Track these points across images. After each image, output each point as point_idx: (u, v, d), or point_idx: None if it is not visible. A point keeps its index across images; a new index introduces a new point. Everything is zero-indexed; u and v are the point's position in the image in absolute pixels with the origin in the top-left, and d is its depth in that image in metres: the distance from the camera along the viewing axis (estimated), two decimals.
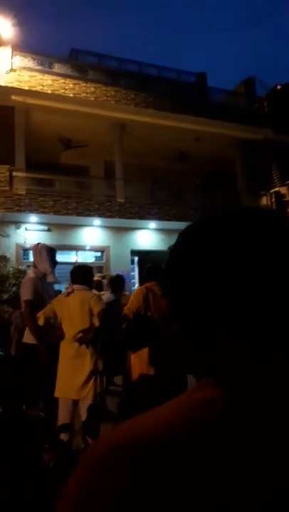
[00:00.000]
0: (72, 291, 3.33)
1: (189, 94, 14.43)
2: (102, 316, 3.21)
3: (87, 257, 12.51)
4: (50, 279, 3.84)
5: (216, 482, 0.38)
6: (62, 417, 3.24)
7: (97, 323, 3.24)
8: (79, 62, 13.39)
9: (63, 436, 3.17)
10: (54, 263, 3.89)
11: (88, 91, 12.43)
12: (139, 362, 3.44)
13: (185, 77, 15.49)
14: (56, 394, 3.27)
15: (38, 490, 2.64)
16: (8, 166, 11.29)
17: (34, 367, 3.54)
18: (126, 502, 0.38)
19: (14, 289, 10.17)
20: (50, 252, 3.89)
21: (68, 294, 3.33)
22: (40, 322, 3.42)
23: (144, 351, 3.40)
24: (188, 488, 0.38)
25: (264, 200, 14.38)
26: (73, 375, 3.19)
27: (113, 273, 12.24)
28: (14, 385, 2.84)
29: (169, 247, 0.53)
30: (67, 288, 3.45)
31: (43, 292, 3.68)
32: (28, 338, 3.65)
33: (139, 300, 3.50)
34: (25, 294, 3.63)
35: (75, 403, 3.25)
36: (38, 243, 3.97)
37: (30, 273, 3.88)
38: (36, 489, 2.63)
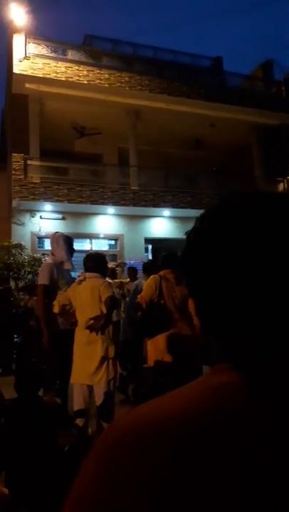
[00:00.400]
0: (84, 279, 3.35)
1: (205, 79, 14.18)
2: (110, 302, 3.22)
3: (101, 245, 12.56)
4: (67, 266, 3.97)
5: (238, 467, 0.38)
6: (77, 402, 3.29)
7: (105, 309, 3.26)
8: (93, 48, 13.24)
9: (78, 421, 3.23)
10: (71, 251, 4.04)
11: (102, 77, 12.31)
12: (154, 349, 3.46)
13: (200, 62, 15.20)
14: (71, 380, 3.32)
15: (53, 473, 2.70)
16: (22, 155, 11.34)
17: (56, 352, 3.62)
18: (143, 484, 0.38)
19: (30, 276, 10.30)
20: (68, 240, 4.04)
21: (80, 282, 3.35)
22: (56, 310, 3.47)
23: (160, 338, 3.41)
24: (211, 472, 0.38)
25: (281, 187, 14.15)
26: (86, 362, 3.23)
27: (127, 261, 12.31)
28: (30, 370, 2.89)
29: (187, 233, 0.53)
30: (79, 276, 3.48)
31: (59, 279, 3.79)
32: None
33: (152, 288, 3.52)
34: (41, 278, 3.82)
35: (90, 389, 3.30)
36: (56, 232, 4.15)
37: (48, 259, 4.08)
38: (51, 473, 2.69)
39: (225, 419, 0.40)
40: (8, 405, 2.74)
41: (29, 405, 2.70)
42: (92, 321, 3.24)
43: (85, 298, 3.28)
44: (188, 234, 0.53)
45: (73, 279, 4.37)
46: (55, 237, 4.04)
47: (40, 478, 2.58)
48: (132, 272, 7.52)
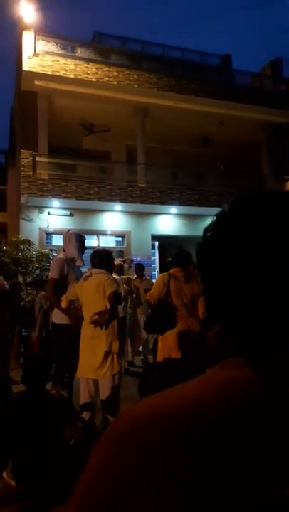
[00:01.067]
0: (91, 275, 3.40)
1: (213, 77, 14.12)
2: (113, 297, 3.25)
3: (108, 242, 12.61)
4: (78, 263, 4.11)
5: (250, 461, 0.38)
6: (83, 396, 3.35)
7: (108, 291, 3.30)
8: (102, 45, 13.25)
9: (84, 415, 3.29)
10: (82, 249, 4.17)
11: (111, 75, 12.32)
12: (162, 345, 3.52)
13: (209, 60, 15.14)
14: (77, 374, 3.38)
15: (59, 466, 2.75)
16: (31, 152, 11.40)
17: (61, 345, 3.69)
18: (155, 475, 0.37)
19: (37, 271, 10.39)
20: (80, 238, 4.18)
21: (86, 278, 3.40)
22: (63, 305, 3.53)
23: (168, 335, 3.46)
24: (221, 464, 0.37)
25: None
26: (91, 356, 3.28)
27: (134, 258, 12.35)
28: (38, 364, 2.94)
29: (204, 229, 0.53)
30: (85, 272, 3.53)
31: (70, 274, 3.90)
32: (58, 318, 3.82)
33: (160, 286, 3.57)
34: (52, 273, 3.99)
35: (96, 383, 3.35)
36: (69, 230, 4.31)
37: (60, 254, 4.24)
38: (57, 465, 2.74)
39: (235, 412, 0.40)
40: (15, 398, 2.80)
41: (36, 398, 2.76)
42: (96, 316, 3.29)
43: (90, 293, 3.33)
44: (205, 230, 0.53)
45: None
46: (67, 235, 4.16)
47: (46, 471, 2.63)
48: (139, 268, 7.56)
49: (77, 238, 4.13)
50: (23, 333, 7.96)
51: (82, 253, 4.15)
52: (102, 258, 3.53)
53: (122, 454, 0.39)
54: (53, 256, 11.42)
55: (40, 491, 2.50)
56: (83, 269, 4.16)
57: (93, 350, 3.27)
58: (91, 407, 3.36)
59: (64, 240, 4.20)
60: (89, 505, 0.39)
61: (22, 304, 8.08)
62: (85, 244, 4.30)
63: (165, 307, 3.50)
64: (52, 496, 2.50)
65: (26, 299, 8.48)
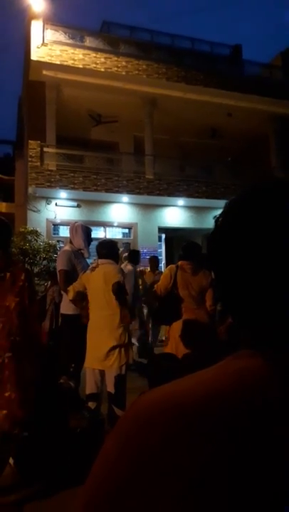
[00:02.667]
0: (97, 265, 3.41)
1: (223, 68, 13.96)
2: (116, 288, 3.26)
3: (114, 234, 12.62)
4: (85, 254, 4.16)
5: (263, 450, 0.37)
6: (89, 386, 3.38)
7: (113, 280, 3.32)
8: (111, 35, 13.13)
9: (90, 405, 3.32)
10: (89, 240, 4.20)
11: (120, 65, 12.22)
12: (171, 337, 3.55)
13: (219, 50, 14.96)
14: (84, 364, 3.41)
15: (66, 453, 2.80)
16: (39, 142, 11.39)
17: (69, 336, 3.73)
18: (167, 464, 0.37)
19: (45, 262, 10.45)
20: (86, 230, 4.20)
21: (94, 268, 3.42)
22: (70, 296, 3.55)
23: (175, 326, 3.48)
24: (237, 450, 0.37)
25: None
26: (98, 347, 3.30)
27: (140, 249, 12.32)
28: (47, 354, 2.97)
29: (214, 217, 0.52)
30: (92, 263, 3.54)
31: (77, 265, 3.94)
32: (66, 309, 3.85)
33: (167, 278, 3.59)
34: (60, 264, 3.99)
35: (102, 373, 3.38)
36: (76, 222, 4.33)
37: (66, 246, 4.27)
38: (64, 452, 2.78)
39: (248, 402, 0.40)
40: None
41: (44, 388, 2.79)
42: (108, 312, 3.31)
43: (97, 284, 3.35)
44: (216, 219, 0.52)
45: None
46: (74, 226, 4.19)
47: (52, 458, 2.67)
48: (154, 261, 7.48)
49: (83, 230, 4.15)
50: None
51: (89, 244, 4.18)
52: (108, 249, 3.55)
53: (137, 441, 0.39)
54: (60, 247, 11.48)
55: (45, 477, 2.54)
56: (89, 261, 4.18)
57: (101, 340, 3.29)
58: (97, 397, 3.39)
59: (71, 232, 4.23)
60: (106, 488, 0.39)
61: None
62: (92, 236, 4.34)
63: (171, 298, 3.52)
64: (57, 482, 2.54)
65: (39, 290, 8.56)
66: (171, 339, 3.52)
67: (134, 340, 6.98)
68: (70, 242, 4.20)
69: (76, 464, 2.72)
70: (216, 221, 0.52)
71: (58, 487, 2.49)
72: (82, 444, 2.88)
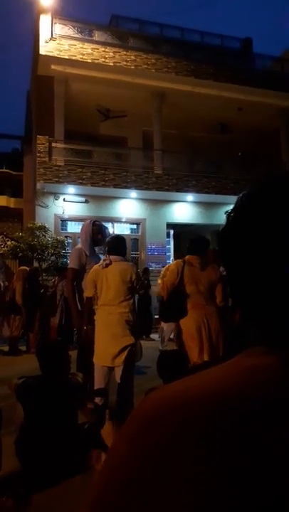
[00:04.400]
0: (110, 262, 3.38)
1: (233, 62, 13.80)
2: (140, 288, 3.29)
3: (123, 229, 12.58)
4: (88, 255, 4.03)
5: (277, 448, 0.37)
6: (98, 381, 3.36)
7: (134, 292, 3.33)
8: (119, 29, 13.05)
9: (98, 400, 3.31)
10: (97, 240, 4.05)
11: (128, 59, 12.14)
12: (183, 334, 3.52)
13: (229, 43, 14.79)
14: (94, 360, 3.38)
15: (73, 448, 2.79)
16: (47, 137, 11.38)
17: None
18: (178, 460, 0.37)
19: (53, 258, 10.48)
20: (93, 230, 4.04)
21: (107, 265, 3.38)
22: (89, 293, 3.49)
23: (184, 324, 3.45)
24: (247, 448, 0.37)
25: None
26: (110, 344, 3.27)
27: (148, 246, 12.30)
28: (52, 350, 2.96)
29: (226, 212, 0.52)
30: (104, 259, 3.47)
31: (89, 263, 3.85)
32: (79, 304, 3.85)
33: (174, 273, 3.55)
34: (71, 262, 4.00)
35: (110, 369, 3.36)
36: (87, 220, 4.23)
37: (79, 244, 4.19)
38: (71, 447, 2.78)
39: (258, 400, 0.39)
40: (30, 382, 2.83)
41: (51, 383, 2.79)
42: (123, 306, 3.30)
43: (112, 280, 3.32)
44: (228, 214, 0.52)
45: None
46: (82, 226, 4.14)
47: (60, 452, 2.67)
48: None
49: (87, 231, 4.02)
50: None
51: (96, 244, 4.05)
52: (119, 244, 3.52)
53: (148, 438, 0.39)
54: (68, 243, 11.50)
55: (50, 472, 2.54)
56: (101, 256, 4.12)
57: (114, 338, 3.26)
58: (105, 393, 3.38)
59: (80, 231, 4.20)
60: (115, 484, 0.39)
61: (41, 290, 8.23)
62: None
63: (177, 295, 3.48)
64: (62, 476, 2.54)
65: (49, 286, 8.64)
66: (183, 336, 3.48)
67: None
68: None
69: (84, 456, 2.73)
70: (228, 216, 0.51)
71: (64, 480, 2.52)
72: (90, 439, 2.88)
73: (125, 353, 3.26)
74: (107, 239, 3.72)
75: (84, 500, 0.41)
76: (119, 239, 3.66)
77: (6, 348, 7.49)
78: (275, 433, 0.37)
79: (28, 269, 8.11)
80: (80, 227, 4.24)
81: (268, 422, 0.38)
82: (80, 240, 4.18)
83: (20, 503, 2.30)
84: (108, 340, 3.27)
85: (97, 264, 3.50)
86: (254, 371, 0.42)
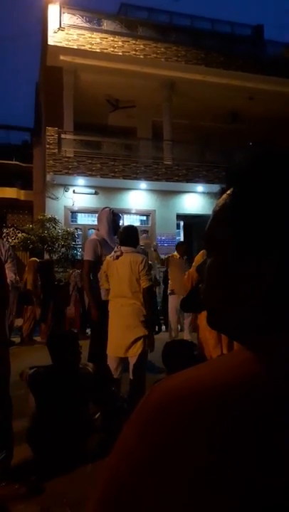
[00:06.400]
0: (121, 254, 3.35)
1: (244, 49, 13.55)
2: (147, 294, 3.33)
3: (132, 221, 12.52)
4: (111, 242, 4.00)
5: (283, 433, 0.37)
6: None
7: (144, 284, 3.30)
8: (128, 17, 12.90)
9: (110, 390, 3.32)
10: (115, 229, 4.03)
11: (138, 48, 12.01)
12: (199, 325, 3.50)
13: (240, 30, 14.55)
14: (107, 351, 3.38)
15: (84, 437, 2.80)
16: (56, 129, 11.35)
17: (96, 322, 3.71)
18: (188, 449, 0.37)
19: (63, 250, 10.52)
20: (112, 218, 4.03)
21: (118, 257, 3.35)
22: (107, 286, 3.47)
23: (204, 315, 3.42)
24: (259, 439, 0.37)
25: None
26: (122, 336, 3.26)
27: (158, 237, 12.26)
28: (62, 340, 2.97)
29: (221, 190, 0.52)
30: (115, 251, 3.43)
31: (104, 254, 3.81)
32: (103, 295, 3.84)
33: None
34: (86, 254, 3.96)
35: (122, 359, 3.36)
36: (104, 208, 4.16)
37: (93, 235, 4.14)
38: (82, 436, 2.79)
39: (272, 387, 0.39)
40: (42, 372, 2.84)
41: (62, 372, 2.79)
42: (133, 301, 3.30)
43: (123, 272, 3.30)
44: (222, 190, 0.52)
45: None
46: (100, 214, 4.07)
47: (71, 441, 2.69)
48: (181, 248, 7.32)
49: (108, 219, 3.98)
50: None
51: (115, 233, 4.01)
52: (131, 235, 3.50)
53: (158, 426, 0.39)
54: (78, 234, 11.52)
55: (58, 461, 2.56)
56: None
57: (126, 329, 3.25)
58: (116, 383, 3.39)
59: (97, 219, 4.14)
60: (124, 474, 0.39)
61: (55, 281, 8.35)
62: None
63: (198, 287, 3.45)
64: (74, 464, 2.56)
65: (62, 278, 8.76)
66: (199, 327, 3.45)
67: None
68: (98, 230, 4.09)
69: (95, 446, 2.75)
70: (222, 193, 0.51)
71: (76, 467, 2.56)
72: (101, 428, 2.89)
73: (138, 343, 3.25)
74: (120, 229, 3.69)
75: (95, 487, 0.41)
76: (131, 229, 3.63)
77: (18, 340, 7.58)
78: (284, 424, 0.37)
79: (38, 260, 8.20)
80: (97, 217, 4.17)
81: (279, 411, 0.38)
82: (92, 230, 4.16)
83: (33, 490, 2.33)
84: (122, 331, 3.26)
85: (109, 256, 3.47)
86: (265, 359, 0.42)
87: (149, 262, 4.12)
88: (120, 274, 3.31)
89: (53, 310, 7.81)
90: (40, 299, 7.65)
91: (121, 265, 3.31)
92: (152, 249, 7.56)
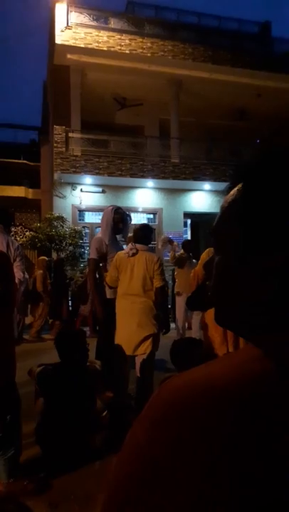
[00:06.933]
0: (137, 251, 3.35)
1: (252, 46, 13.47)
2: (160, 293, 3.32)
3: (139, 219, 12.51)
4: (106, 242, 3.93)
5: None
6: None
7: (157, 283, 3.31)
8: (135, 15, 12.86)
9: (118, 388, 3.33)
10: (119, 228, 3.95)
11: (145, 46, 11.98)
12: (209, 321, 3.49)
13: (247, 27, 14.44)
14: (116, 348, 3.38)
15: (91, 434, 2.82)
16: (64, 127, 11.37)
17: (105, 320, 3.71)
18: (199, 447, 0.37)
19: (70, 248, 10.56)
20: (113, 218, 3.93)
21: (133, 254, 3.35)
22: (113, 284, 3.46)
23: (210, 314, 3.41)
24: (266, 438, 0.36)
25: None
26: (132, 334, 3.25)
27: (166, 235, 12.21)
28: (70, 337, 2.98)
29: (230, 185, 0.51)
30: (131, 249, 3.39)
31: (109, 252, 3.81)
32: (107, 293, 3.83)
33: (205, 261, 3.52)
34: (91, 252, 3.95)
35: (131, 357, 3.36)
36: (108, 206, 4.09)
37: (98, 234, 4.10)
38: (90, 433, 2.80)
39: (278, 388, 0.39)
40: (49, 370, 2.85)
41: (70, 370, 2.81)
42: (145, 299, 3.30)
43: (137, 269, 3.30)
44: (230, 185, 0.51)
45: None
46: (103, 213, 4.02)
47: (79, 438, 2.70)
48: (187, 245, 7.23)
49: (108, 218, 3.90)
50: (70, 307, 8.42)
51: (118, 232, 3.97)
52: (146, 234, 3.51)
53: (168, 424, 0.39)
54: (85, 233, 11.55)
55: (66, 458, 2.58)
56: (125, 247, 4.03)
57: (136, 328, 3.24)
58: (125, 380, 3.39)
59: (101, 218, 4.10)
60: (135, 471, 0.39)
61: (66, 280, 8.47)
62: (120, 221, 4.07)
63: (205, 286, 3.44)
64: (82, 461, 2.57)
65: (72, 276, 8.86)
66: (207, 325, 3.44)
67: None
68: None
69: (102, 443, 2.76)
70: (231, 188, 0.50)
71: (84, 465, 2.57)
72: (109, 426, 2.90)
73: (148, 342, 3.25)
74: (135, 227, 3.67)
75: (102, 485, 0.42)
76: (147, 228, 3.64)
77: (27, 336, 7.64)
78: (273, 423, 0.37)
79: (47, 259, 8.27)
80: (101, 215, 4.11)
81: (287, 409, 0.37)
82: (99, 229, 4.12)
83: (41, 486, 2.34)
84: (134, 328, 3.25)
85: (123, 252, 3.43)
86: (274, 357, 0.41)
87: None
88: (135, 271, 3.31)
89: (66, 308, 7.91)
90: (49, 297, 7.73)
91: (137, 263, 3.32)
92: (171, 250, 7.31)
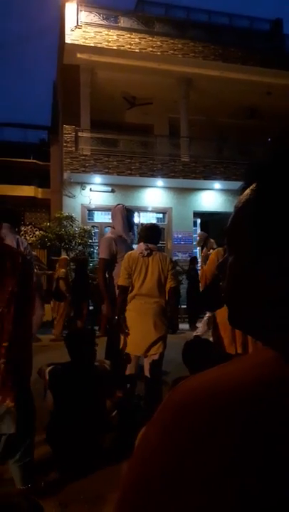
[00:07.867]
0: (151, 252, 3.33)
1: (262, 44, 13.34)
2: (174, 294, 3.32)
3: (149, 219, 12.51)
4: (127, 240, 3.99)
5: None
6: (129, 370, 3.35)
7: (172, 283, 3.31)
8: (145, 14, 12.83)
9: (127, 388, 3.31)
10: (130, 225, 4.05)
11: (154, 45, 11.95)
12: (218, 323, 3.47)
13: (258, 25, 14.31)
14: (126, 349, 3.35)
15: (101, 434, 2.80)
16: (74, 127, 11.39)
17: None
18: (215, 451, 0.36)
19: (80, 247, 10.59)
20: (126, 214, 4.03)
21: (149, 254, 3.32)
22: (126, 283, 3.41)
23: (221, 313, 3.39)
24: (276, 443, 0.35)
25: None
26: (145, 335, 3.23)
27: (174, 235, 12.18)
28: (80, 337, 2.97)
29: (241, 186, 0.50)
30: (146, 248, 3.35)
31: (119, 252, 3.81)
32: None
33: (214, 262, 3.52)
34: (101, 252, 3.94)
35: (140, 357, 3.35)
36: (117, 205, 4.16)
37: (108, 233, 4.14)
38: (100, 433, 2.79)
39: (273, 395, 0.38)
40: (59, 369, 2.85)
41: (80, 370, 2.80)
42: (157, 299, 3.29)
43: (152, 269, 3.29)
44: (244, 186, 0.50)
45: None
46: (114, 211, 4.06)
47: (89, 438, 2.69)
48: None
49: (123, 215, 3.97)
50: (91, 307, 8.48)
51: (130, 229, 4.01)
52: (157, 233, 3.52)
53: (182, 427, 0.39)
54: (94, 232, 11.56)
55: (76, 458, 2.57)
56: (134, 246, 4.02)
57: (149, 329, 3.22)
58: (133, 380, 3.37)
59: (111, 217, 4.12)
60: (147, 474, 0.39)
61: (89, 280, 8.55)
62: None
63: (216, 284, 3.40)
64: (92, 463, 2.56)
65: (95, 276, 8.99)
66: (218, 325, 3.42)
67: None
68: (113, 228, 4.06)
69: (112, 443, 2.75)
70: (245, 188, 0.49)
71: (94, 465, 2.57)
72: (118, 426, 2.89)
73: (160, 342, 3.24)
74: (144, 226, 3.65)
75: (112, 484, 0.41)
76: (157, 227, 3.64)
77: (42, 336, 7.67)
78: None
79: (67, 258, 8.52)
80: (111, 214, 4.16)
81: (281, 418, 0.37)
82: (108, 228, 4.15)
83: (51, 486, 2.33)
84: (149, 329, 3.22)
85: (136, 251, 3.39)
86: (271, 364, 0.41)
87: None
88: (150, 271, 3.29)
89: (87, 307, 7.97)
90: (71, 295, 7.80)
91: (151, 263, 3.30)
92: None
